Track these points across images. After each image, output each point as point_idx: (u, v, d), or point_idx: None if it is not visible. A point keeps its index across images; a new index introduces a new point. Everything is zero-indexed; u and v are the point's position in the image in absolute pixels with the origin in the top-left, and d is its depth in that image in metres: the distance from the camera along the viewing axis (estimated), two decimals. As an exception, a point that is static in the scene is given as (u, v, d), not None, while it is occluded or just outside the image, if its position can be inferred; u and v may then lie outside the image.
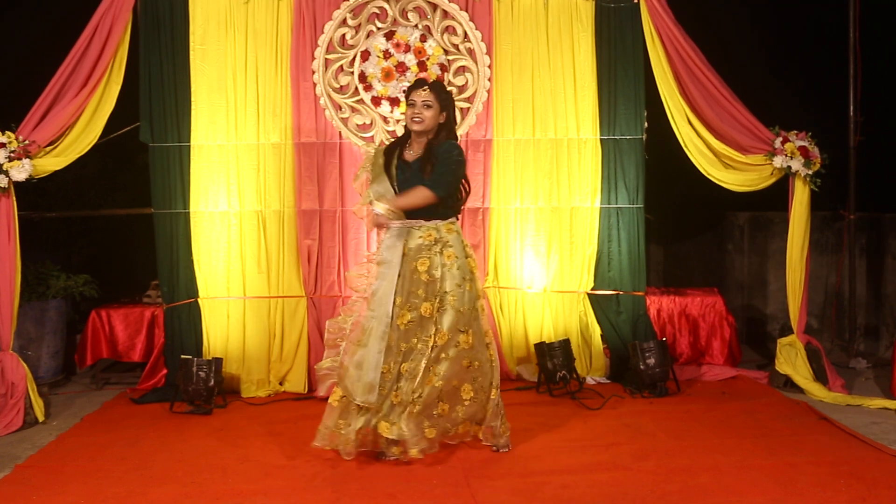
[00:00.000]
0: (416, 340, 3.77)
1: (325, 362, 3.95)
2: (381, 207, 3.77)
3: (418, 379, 3.73)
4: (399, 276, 3.78)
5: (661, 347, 4.94)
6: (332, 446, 3.78)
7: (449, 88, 5.20)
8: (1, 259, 4.56)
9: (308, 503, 3.38)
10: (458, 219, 3.96)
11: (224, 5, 5.15)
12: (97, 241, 6.96)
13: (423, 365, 3.73)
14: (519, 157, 5.30)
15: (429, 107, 3.84)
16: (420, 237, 3.81)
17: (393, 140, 4.05)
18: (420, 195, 3.78)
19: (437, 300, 3.78)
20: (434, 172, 3.79)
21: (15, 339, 4.67)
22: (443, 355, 3.76)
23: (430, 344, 3.75)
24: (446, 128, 3.91)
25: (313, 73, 5.21)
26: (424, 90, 3.85)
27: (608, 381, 5.26)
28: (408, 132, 3.95)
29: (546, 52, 5.31)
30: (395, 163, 3.92)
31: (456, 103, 4.52)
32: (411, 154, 3.91)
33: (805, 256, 5.08)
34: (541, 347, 5.06)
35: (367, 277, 3.86)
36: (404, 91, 4.02)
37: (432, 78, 5.21)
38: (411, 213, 3.81)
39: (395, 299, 3.77)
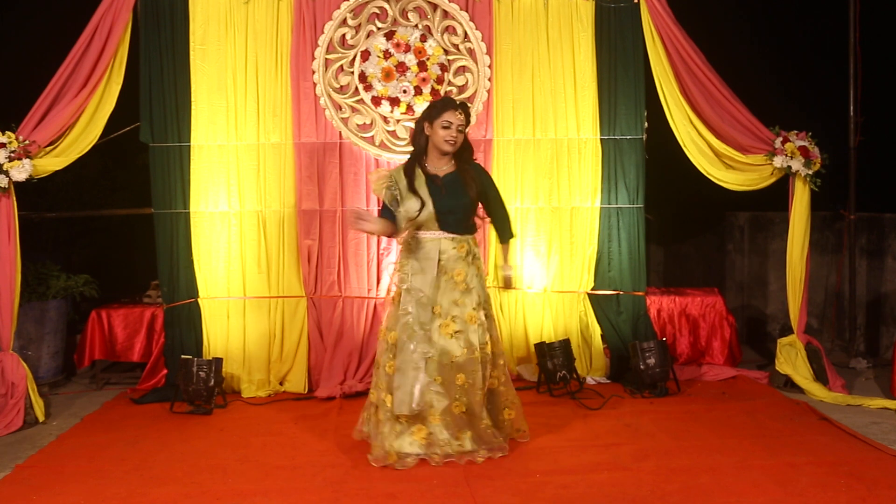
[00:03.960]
0: (464, 348, 3.80)
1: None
2: (510, 271, 4.10)
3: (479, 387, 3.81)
4: (435, 285, 3.84)
5: (661, 347, 4.94)
6: None
7: (448, 88, 5.25)
8: (1, 259, 4.56)
9: (308, 503, 3.38)
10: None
11: (224, 5, 5.16)
12: (97, 241, 6.96)
13: (481, 373, 3.81)
14: (519, 157, 5.30)
15: (461, 131, 3.88)
16: (454, 248, 3.86)
17: (408, 160, 3.98)
18: (514, 247, 4.24)
19: (481, 309, 3.87)
20: (498, 212, 4.04)
21: (15, 339, 4.67)
22: (500, 361, 3.99)
23: (488, 350, 3.86)
24: (466, 142, 3.99)
25: (313, 73, 5.21)
26: (460, 114, 3.87)
27: (608, 381, 5.26)
28: (418, 151, 3.92)
29: (546, 52, 5.31)
30: (422, 180, 3.89)
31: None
32: (435, 169, 3.92)
33: (805, 256, 5.08)
34: (541, 347, 5.06)
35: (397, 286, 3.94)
36: (434, 106, 3.93)
37: (433, 78, 5.22)
38: (446, 226, 3.86)
39: (432, 308, 3.82)
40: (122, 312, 5.31)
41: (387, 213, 3.89)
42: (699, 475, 3.57)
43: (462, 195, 3.86)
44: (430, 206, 3.82)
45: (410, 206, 3.81)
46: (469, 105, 4.10)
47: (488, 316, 3.94)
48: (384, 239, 5.25)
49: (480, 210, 4.01)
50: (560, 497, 3.37)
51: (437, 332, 3.78)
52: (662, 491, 3.40)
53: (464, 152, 3.97)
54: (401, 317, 3.82)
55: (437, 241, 3.85)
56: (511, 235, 4.10)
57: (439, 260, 3.84)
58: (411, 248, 3.89)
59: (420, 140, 3.92)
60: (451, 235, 3.86)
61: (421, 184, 3.87)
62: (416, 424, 3.78)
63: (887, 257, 6.04)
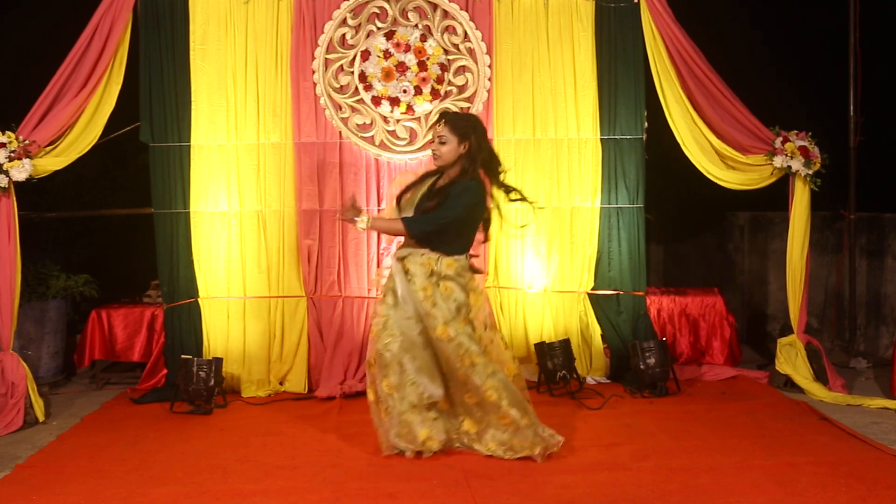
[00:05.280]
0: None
1: None
2: (362, 223, 3.84)
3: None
4: (407, 290, 3.83)
5: (661, 347, 4.94)
6: None
7: (448, 88, 5.24)
8: (1, 259, 4.56)
9: (308, 503, 3.38)
10: (468, 257, 3.90)
11: (224, 5, 5.15)
12: (97, 241, 6.95)
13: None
14: (519, 156, 5.30)
15: (444, 142, 3.83)
16: (420, 263, 3.81)
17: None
18: (394, 227, 3.90)
19: (452, 326, 3.76)
20: (430, 212, 3.80)
21: (15, 339, 4.67)
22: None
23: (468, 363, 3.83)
24: (468, 158, 3.83)
25: (313, 72, 5.21)
26: (440, 124, 3.86)
27: (608, 381, 5.26)
28: None
29: (546, 51, 5.31)
30: (427, 185, 3.95)
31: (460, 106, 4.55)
32: (441, 181, 3.93)
33: (805, 256, 5.08)
34: (541, 347, 5.06)
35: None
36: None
37: (433, 77, 5.22)
38: (412, 239, 3.86)
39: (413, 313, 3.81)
40: (122, 312, 5.32)
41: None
42: (699, 475, 3.57)
43: (414, 209, 3.86)
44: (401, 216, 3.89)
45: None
46: (458, 111, 4.10)
47: (474, 329, 3.82)
48: (384, 238, 5.24)
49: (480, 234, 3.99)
50: (560, 497, 3.37)
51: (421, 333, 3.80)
52: (662, 491, 3.41)
53: (464, 165, 3.83)
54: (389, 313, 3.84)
55: (404, 249, 3.89)
56: (406, 232, 3.84)
57: (407, 271, 3.82)
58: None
59: None
60: (417, 249, 3.83)
61: (419, 193, 3.93)
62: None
63: (887, 257, 6.04)
